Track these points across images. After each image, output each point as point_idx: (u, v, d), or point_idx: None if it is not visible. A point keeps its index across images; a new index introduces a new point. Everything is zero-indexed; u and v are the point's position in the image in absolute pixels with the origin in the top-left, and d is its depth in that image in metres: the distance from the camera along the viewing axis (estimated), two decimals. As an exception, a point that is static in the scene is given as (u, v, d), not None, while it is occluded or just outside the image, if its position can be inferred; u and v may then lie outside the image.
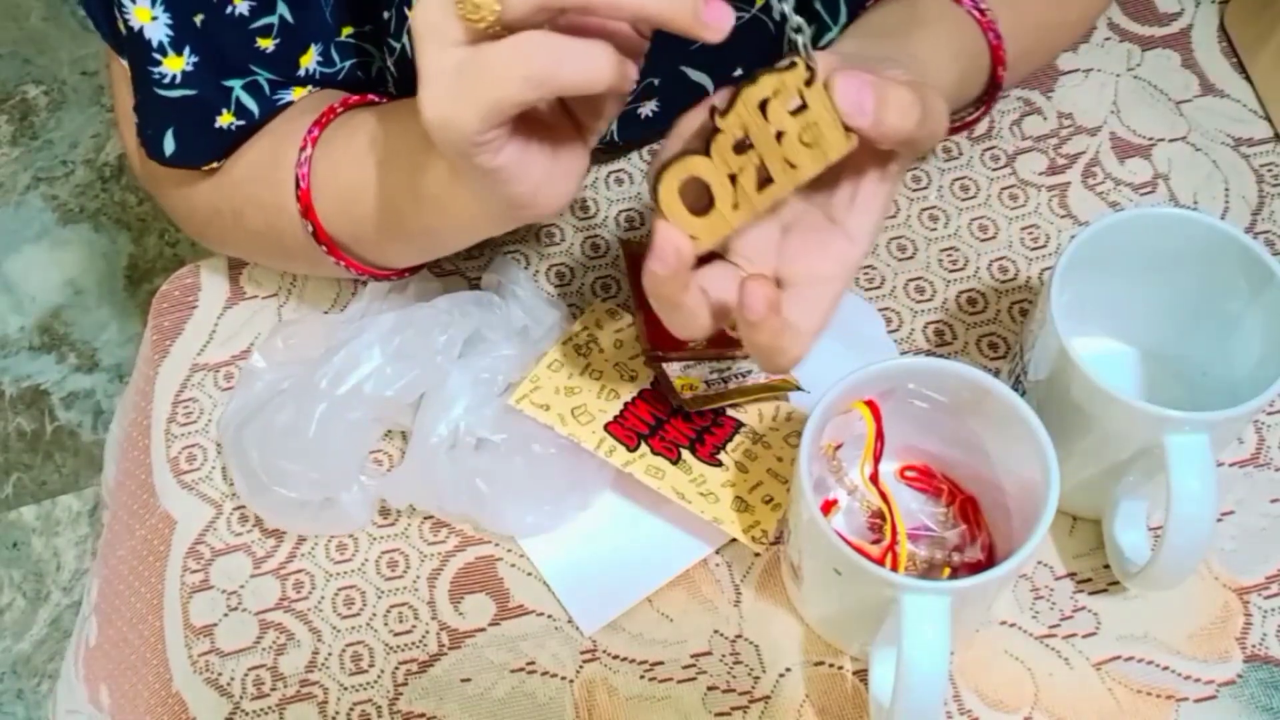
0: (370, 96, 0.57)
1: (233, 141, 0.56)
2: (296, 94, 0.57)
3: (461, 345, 0.57)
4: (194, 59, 0.53)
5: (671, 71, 0.62)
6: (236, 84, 0.55)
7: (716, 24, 0.41)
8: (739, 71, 0.63)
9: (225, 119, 0.55)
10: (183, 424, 0.62)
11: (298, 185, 0.54)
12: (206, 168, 0.57)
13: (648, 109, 0.64)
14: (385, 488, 0.57)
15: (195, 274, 0.66)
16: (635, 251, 0.63)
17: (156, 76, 0.53)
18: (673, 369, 0.59)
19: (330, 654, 0.56)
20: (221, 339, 0.64)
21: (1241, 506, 0.56)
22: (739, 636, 0.55)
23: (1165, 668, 0.53)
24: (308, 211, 0.55)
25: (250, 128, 0.56)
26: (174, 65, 0.53)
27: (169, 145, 0.55)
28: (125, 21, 0.52)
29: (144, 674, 0.57)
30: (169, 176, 0.59)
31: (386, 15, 0.55)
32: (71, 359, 1.49)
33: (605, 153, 0.68)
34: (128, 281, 1.54)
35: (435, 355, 0.56)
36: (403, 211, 0.52)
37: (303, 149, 0.54)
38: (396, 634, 0.56)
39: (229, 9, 0.53)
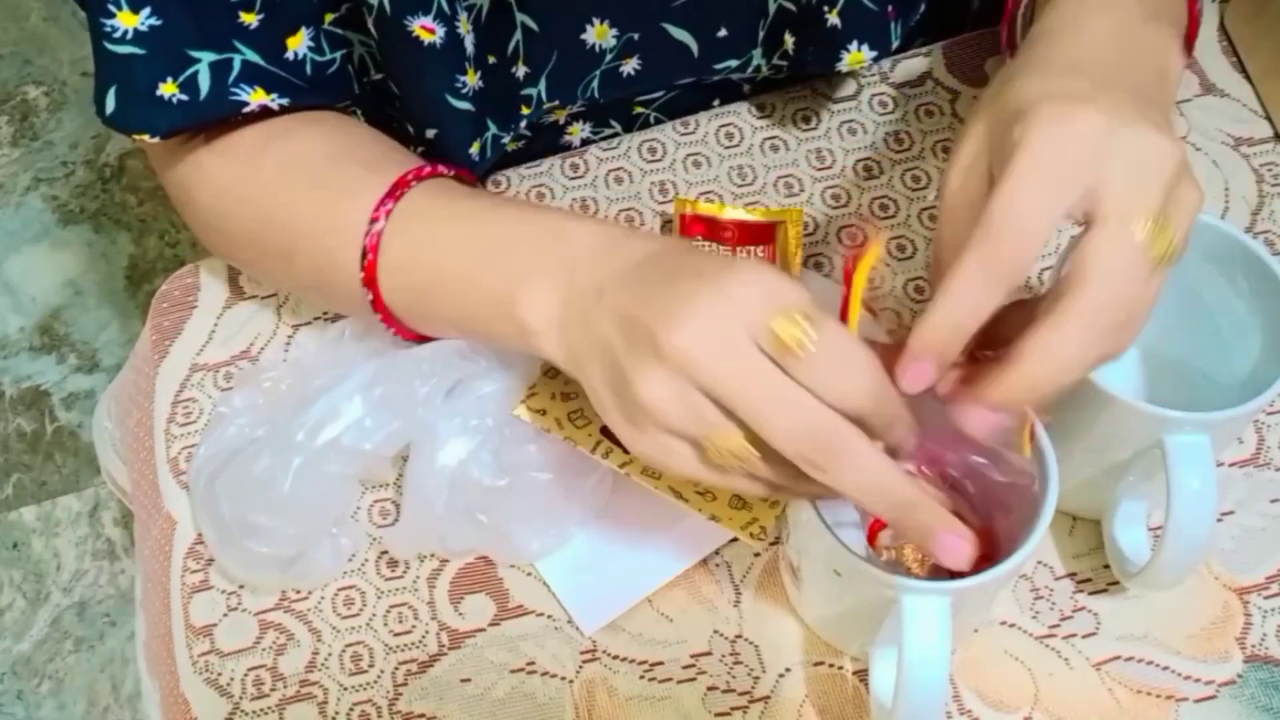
0: (440, 169, 0.55)
1: (174, 121, 0.54)
2: (255, 96, 0.55)
3: (443, 397, 0.55)
4: (154, 20, 0.52)
5: (652, 27, 0.62)
6: (207, 56, 0.53)
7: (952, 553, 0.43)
8: (723, 31, 0.63)
9: (168, 89, 0.53)
10: (182, 424, 0.62)
11: (364, 255, 0.53)
12: (139, 137, 0.55)
13: (629, 67, 0.64)
14: (388, 542, 0.56)
15: (195, 274, 0.66)
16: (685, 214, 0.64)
17: (108, 29, 0.52)
18: None
19: (330, 654, 0.56)
20: (221, 339, 0.64)
21: (1241, 506, 0.56)
22: (739, 636, 0.55)
23: (1165, 668, 0.53)
24: (370, 283, 0.53)
25: (192, 108, 0.54)
26: (127, 21, 0.51)
27: (110, 104, 0.54)
28: None
29: (162, 673, 0.57)
30: (196, 169, 0.58)
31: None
32: (72, 359, 1.49)
33: (591, 116, 0.68)
34: (128, 282, 1.54)
35: (416, 407, 0.54)
36: (474, 332, 0.53)
37: (374, 220, 0.52)
38: (396, 634, 0.56)
39: None
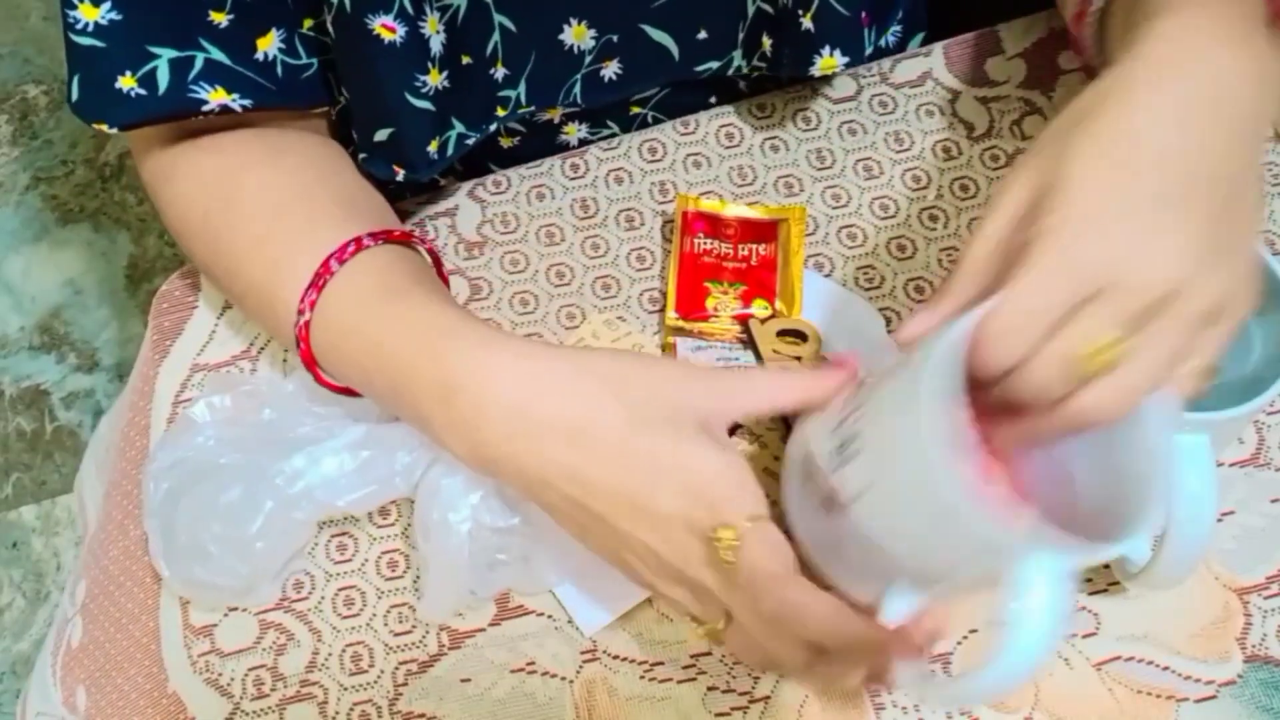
0: (363, 242, 0.54)
1: (132, 114, 0.55)
2: (215, 96, 0.55)
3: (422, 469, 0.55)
4: (113, 15, 0.52)
5: (631, 29, 0.62)
6: (167, 53, 0.54)
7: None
8: (703, 33, 0.63)
9: (126, 82, 0.54)
10: (183, 424, 0.62)
11: (298, 341, 0.54)
12: (98, 126, 0.55)
13: (610, 71, 0.64)
14: (423, 611, 0.55)
15: (195, 274, 0.66)
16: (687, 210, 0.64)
17: (71, 20, 0.53)
18: (684, 346, 0.60)
19: (330, 654, 0.56)
20: (222, 339, 0.64)
21: (1241, 506, 0.56)
22: (739, 636, 0.55)
23: (1165, 668, 0.53)
24: (309, 364, 0.55)
25: (150, 103, 0.54)
26: (88, 14, 0.52)
27: (74, 91, 0.55)
28: None
29: (133, 674, 0.57)
30: (163, 183, 0.59)
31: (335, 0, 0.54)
32: (71, 359, 1.49)
33: (588, 116, 0.68)
34: (128, 281, 1.54)
35: (394, 477, 0.54)
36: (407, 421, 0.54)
37: (300, 311, 0.54)
38: (396, 634, 0.56)
39: None
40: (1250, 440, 0.58)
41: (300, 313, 0.54)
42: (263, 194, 0.57)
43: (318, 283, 0.53)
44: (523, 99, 0.63)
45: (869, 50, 0.63)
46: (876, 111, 0.68)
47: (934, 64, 0.70)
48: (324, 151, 0.61)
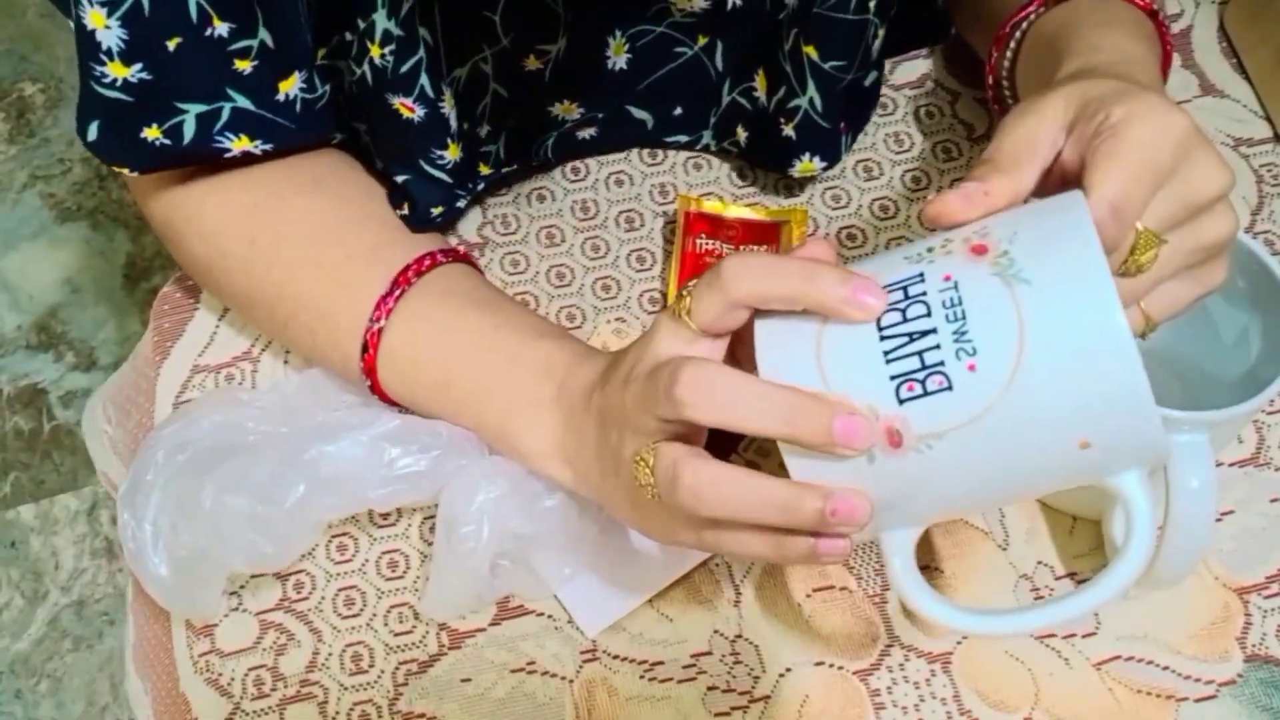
0: (437, 255, 0.56)
1: (155, 161, 0.55)
2: (238, 144, 0.55)
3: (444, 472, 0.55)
4: (144, 75, 0.52)
5: (617, 108, 0.65)
6: (195, 108, 0.53)
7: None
8: (678, 110, 0.66)
9: (151, 133, 0.53)
10: (183, 424, 0.62)
11: (365, 348, 0.54)
12: (118, 169, 0.55)
13: (586, 133, 0.66)
14: (423, 607, 0.56)
15: (195, 274, 0.66)
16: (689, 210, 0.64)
17: (97, 74, 0.52)
18: None
19: (330, 654, 0.56)
20: (223, 340, 0.64)
21: (1241, 506, 0.57)
22: (739, 636, 0.55)
23: (1165, 668, 0.53)
24: (370, 372, 0.55)
25: (174, 151, 0.54)
26: (118, 71, 0.52)
27: (93, 132, 0.54)
28: (78, 15, 0.50)
29: (159, 674, 0.57)
30: (188, 220, 0.59)
31: (349, 37, 0.54)
32: (69, 357, 1.49)
33: (539, 170, 0.68)
34: (125, 280, 1.54)
35: (421, 479, 0.54)
36: (480, 433, 0.55)
37: (375, 317, 0.54)
38: (396, 634, 0.56)
39: (209, 30, 0.51)
40: (1250, 440, 0.58)
41: (375, 320, 0.54)
42: (317, 219, 0.58)
43: (395, 291, 0.54)
44: (502, 154, 0.64)
45: (845, 153, 0.65)
46: (877, 113, 0.68)
47: (934, 65, 0.70)
48: (358, 175, 0.61)
